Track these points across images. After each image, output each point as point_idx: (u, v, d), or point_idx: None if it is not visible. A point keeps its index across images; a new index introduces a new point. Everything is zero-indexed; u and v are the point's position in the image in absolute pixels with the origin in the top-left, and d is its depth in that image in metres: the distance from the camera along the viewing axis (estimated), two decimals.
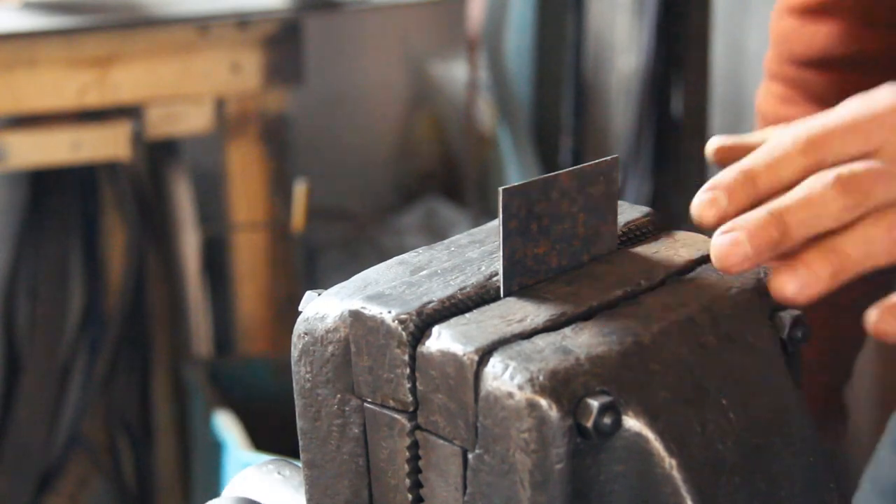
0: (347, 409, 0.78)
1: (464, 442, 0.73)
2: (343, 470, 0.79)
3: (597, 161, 0.80)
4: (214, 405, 2.42)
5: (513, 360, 0.72)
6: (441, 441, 0.74)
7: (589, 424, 0.70)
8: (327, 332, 0.78)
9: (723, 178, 0.78)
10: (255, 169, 2.58)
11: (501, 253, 0.77)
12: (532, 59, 3.19)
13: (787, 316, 0.79)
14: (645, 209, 0.87)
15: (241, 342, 2.67)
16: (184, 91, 2.49)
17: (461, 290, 0.77)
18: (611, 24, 2.98)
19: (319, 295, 0.80)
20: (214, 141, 2.60)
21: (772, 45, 1.29)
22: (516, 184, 0.76)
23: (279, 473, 0.89)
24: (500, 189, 0.75)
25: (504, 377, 0.71)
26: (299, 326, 0.80)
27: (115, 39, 2.42)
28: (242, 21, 2.47)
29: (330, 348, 0.78)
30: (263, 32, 2.49)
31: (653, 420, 0.72)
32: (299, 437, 0.81)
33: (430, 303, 0.76)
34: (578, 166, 0.80)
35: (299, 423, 0.81)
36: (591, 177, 0.80)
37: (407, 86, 3.27)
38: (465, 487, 0.73)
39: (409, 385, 0.75)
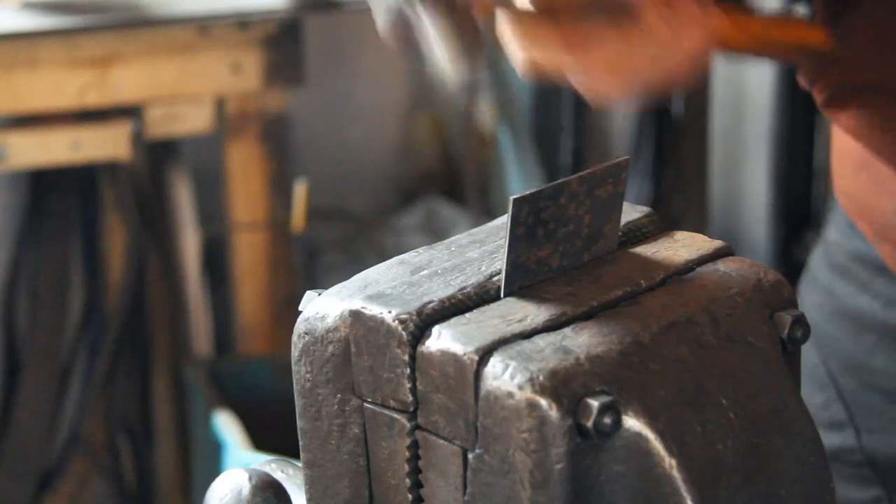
0: (347, 408, 0.78)
1: (464, 442, 0.73)
2: (343, 470, 0.79)
3: (607, 164, 0.79)
4: (214, 405, 2.41)
5: (513, 360, 0.72)
6: (441, 441, 0.74)
7: (589, 424, 0.70)
8: (328, 331, 0.78)
9: None
10: (255, 169, 2.58)
11: (505, 258, 0.77)
12: None
13: (787, 316, 0.79)
14: (645, 209, 0.87)
15: (241, 342, 2.67)
16: (184, 91, 2.49)
17: (461, 290, 0.77)
18: None
19: (320, 295, 0.80)
20: (214, 141, 2.60)
21: None
22: (527, 192, 0.76)
23: (282, 472, 0.89)
24: (511, 198, 0.75)
25: (504, 377, 0.71)
26: (300, 326, 0.80)
27: (115, 39, 2.42)
28: (242, 21, 2.47)
29: (330, 348, 0.78)
30: (263, 32, 2.49)
31: (653, 420, 0.72)
32: (299, 437, 0.81)
33: (430, 303, 0.76)
34: (589, 170, 0.79)
35: (299, 423, 0.81)
36: (600, 180, 0.79)
37: (407, 86, 3.26)
38: (465, 487, 0.74)
39: (409, 385, 0.75)
